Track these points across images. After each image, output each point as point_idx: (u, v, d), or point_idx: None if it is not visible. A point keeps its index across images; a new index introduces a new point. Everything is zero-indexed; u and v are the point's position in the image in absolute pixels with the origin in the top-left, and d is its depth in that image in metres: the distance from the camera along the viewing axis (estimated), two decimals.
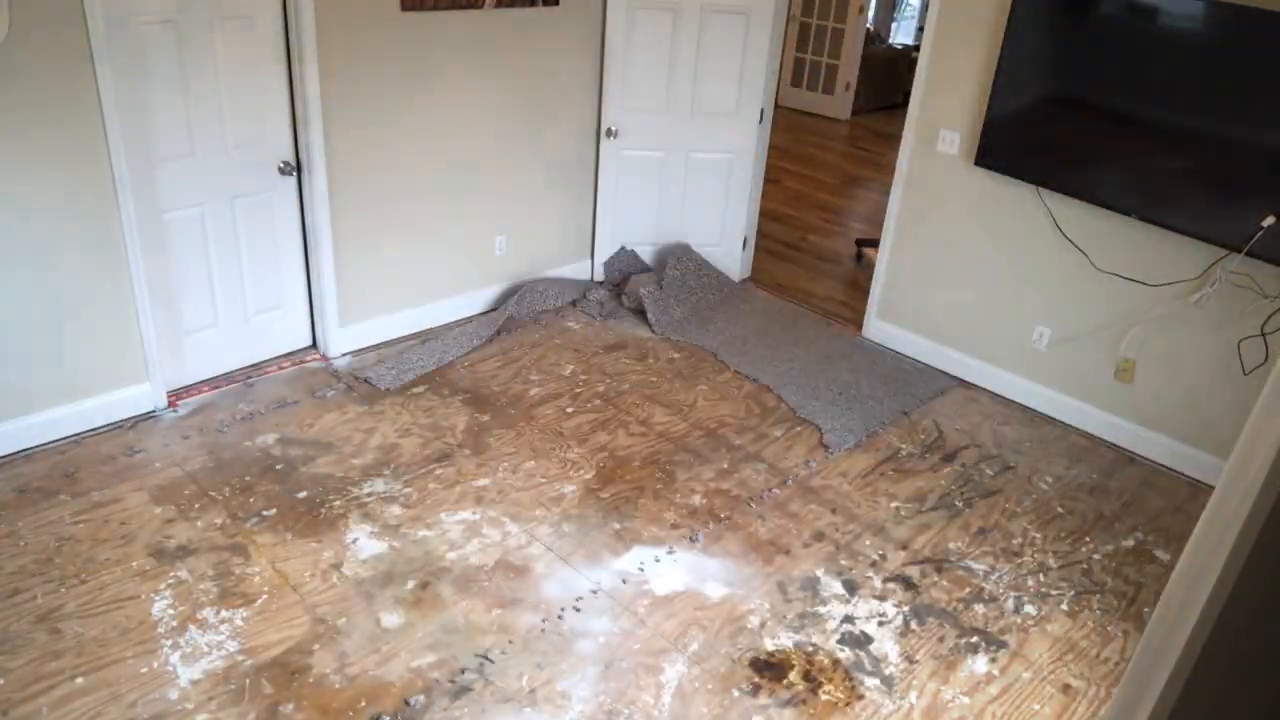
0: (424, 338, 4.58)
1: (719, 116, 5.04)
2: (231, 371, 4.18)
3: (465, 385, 4.23)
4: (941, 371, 4.66)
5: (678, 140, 5.08)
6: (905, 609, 3.18)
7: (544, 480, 3.66)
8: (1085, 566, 3.45)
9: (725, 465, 3.84)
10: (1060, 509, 3.76)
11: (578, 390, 4.27)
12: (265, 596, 3.00)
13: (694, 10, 4.78)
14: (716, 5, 4.79)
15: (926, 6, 4.47)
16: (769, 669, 2.90)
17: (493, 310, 4.85)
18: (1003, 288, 4.38)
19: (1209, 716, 1.00)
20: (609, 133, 4.96)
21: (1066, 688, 2.93)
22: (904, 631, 3.09)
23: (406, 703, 2.67)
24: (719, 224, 5.33)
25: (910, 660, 2.98)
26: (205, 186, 3.82)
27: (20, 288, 3.35)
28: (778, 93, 6.20)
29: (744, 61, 4.95)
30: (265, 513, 3.36)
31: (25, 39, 3.09)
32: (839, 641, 3.03)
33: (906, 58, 9.81)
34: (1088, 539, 3.59)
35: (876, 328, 4.91)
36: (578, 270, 5.27)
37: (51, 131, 3.24)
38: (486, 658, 2.85)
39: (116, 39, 3.35)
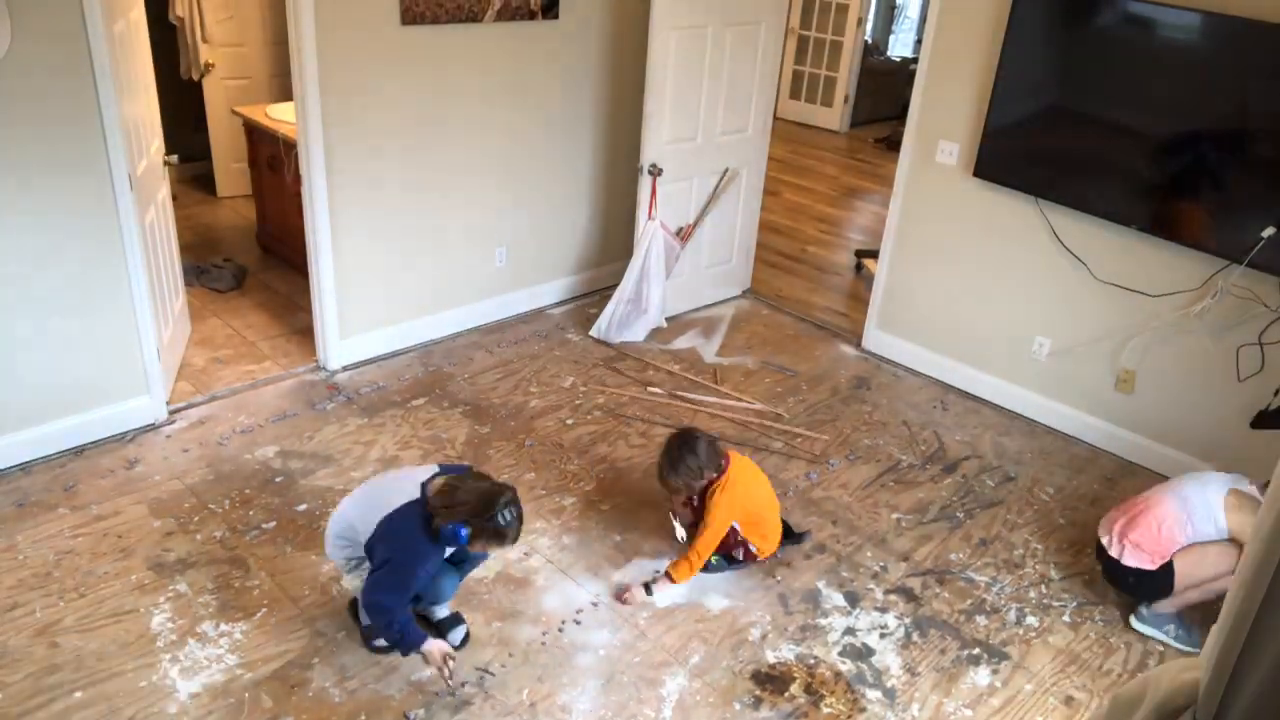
0: (426, 349, 4.59)
1: (734, 133, 4.96)
2: (233, 385, 4.18)
3: (465, 397, 4.23)
4: (942, 382, 4.66)
5: (702, 162, 4.89)
6: (907, 621, 3.17)
7: (544, 492, 3.65)
8: (1087, 578, 3.43)
9: None
10: (1061, 520, 3.75)
11: (578, 402, 4.27)
12: (265, 610, 2.99)
13: (720, 27, 4.61)
14: (736, 20, 4.67)
15: (924, 18, 4.48)
16: (770, 681, 2.89)
17: (494, 321, 4.85)
18: (1002, 298, 4.38)
19: None
20: (653, 170, 4.57)
21: (1069, 700, 2.92)
22: (905, 643, 3.08)
23: (406, 716, 2.66)
24: (730, 239, 5.30)
25: (912, 672, 2.97)
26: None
27: (19, 300, 3.35)
28: (776, 105, 6.20)
29: (757, 75, 4.90)
30: (265, 525, 3.35)
31: (26, 51, 3.09)
32: (840, 654, 3.01)
33: (905, 70, 9.84)
34: (1089, 550, 3.58)
35: (876, 339, 4.91)
36: (572, 285, 5.27)
37: (51, 144, 3.24)
38: (487, 671, 2.84)
39: (117, 49, 3.37)
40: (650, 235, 4.68)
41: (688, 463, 3.08)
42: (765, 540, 3.26)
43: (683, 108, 4.63)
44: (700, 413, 4.25)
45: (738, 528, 3.18)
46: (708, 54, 4.61)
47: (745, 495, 3.16)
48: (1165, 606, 3.13)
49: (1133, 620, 3.19)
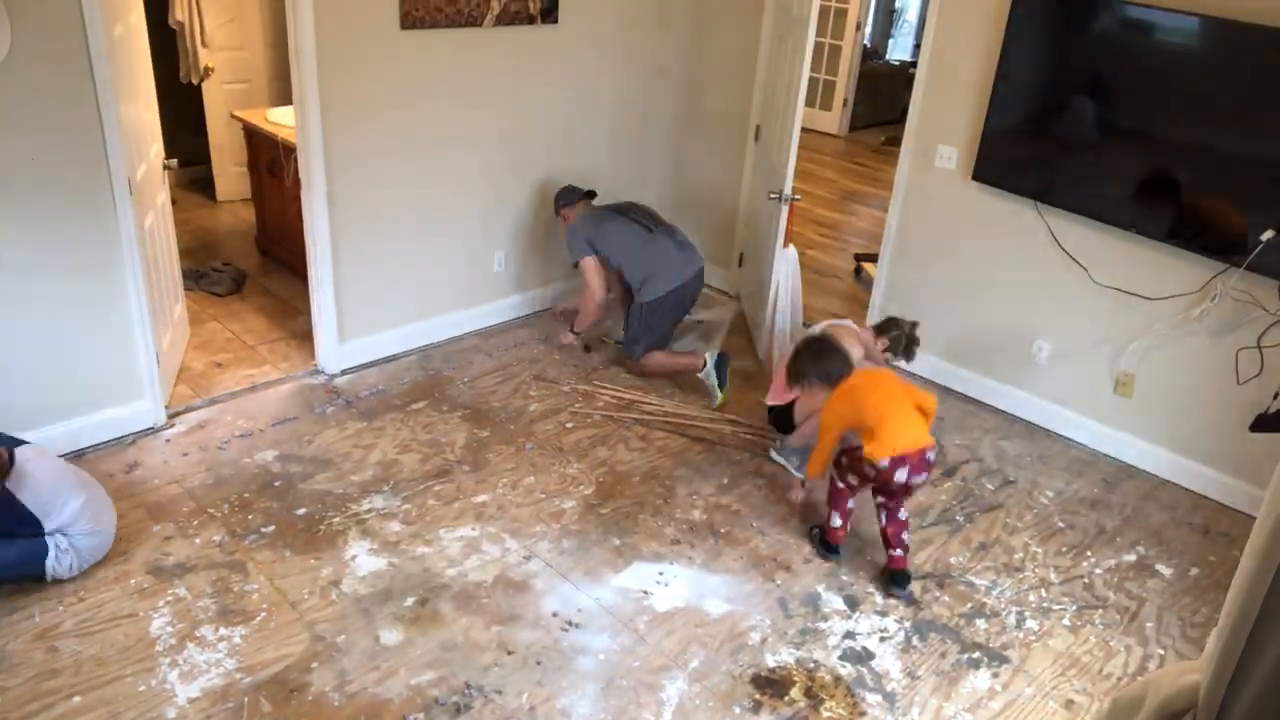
0: (425, 353, 4.59)
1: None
2: (232, 389, 4.18)
3: (464, 401, 4.23)
4: (941, 385, 4.65)
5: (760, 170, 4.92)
6: (907, 624, 3.17)
7: (543, 496, 3.65)
8: (1087, 581, 3.43)
9: (725, 480, 3.83)
10: (1061, 523, 3.75)
11: (577, 405, 4.27)
12: (264, 614, 2.99)
13: (794, 29, 4.49)
14: (791, 26, 4.56)
15: (923, 23, 4.49)
16: (770, 686, 2.89)
17: (494, 324, 4.85)
18: (1002, 302, 4.38)
19: None
20: (789, 197, 4.74)
21: (1069, 703, 2.92)
22: (906, 647, 3.07)
23: None
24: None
25: (912, 676, 2.96)
26: None
27: (19, 304, 3.35)
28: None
29: (796, 85, 4.81)
30: (264, 529, 3.35)
31: (26, 56, 3.09)
32: (840, 658, 3.01)
33: (904, 73, 9.85)
34: (1089, 553, 3.58)
35: None
36: (572, 288, 5.27)
37: (50, 148, 3.24)
38: (486, 675, 2.84)
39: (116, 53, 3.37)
40: (791, 262, 4.60)
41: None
42: (874, 442, 3.19)
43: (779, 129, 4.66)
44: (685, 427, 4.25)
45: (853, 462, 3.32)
46: (784, 68, 4.56)
47: (853, 404, 3.28)
48: (793, 441, 3.86)
49: (771, 453, 3.97)
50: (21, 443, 3.05)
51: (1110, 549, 3.62)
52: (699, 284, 4.55)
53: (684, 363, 4.48)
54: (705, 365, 4.35)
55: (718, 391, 4.31)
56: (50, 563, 2.96)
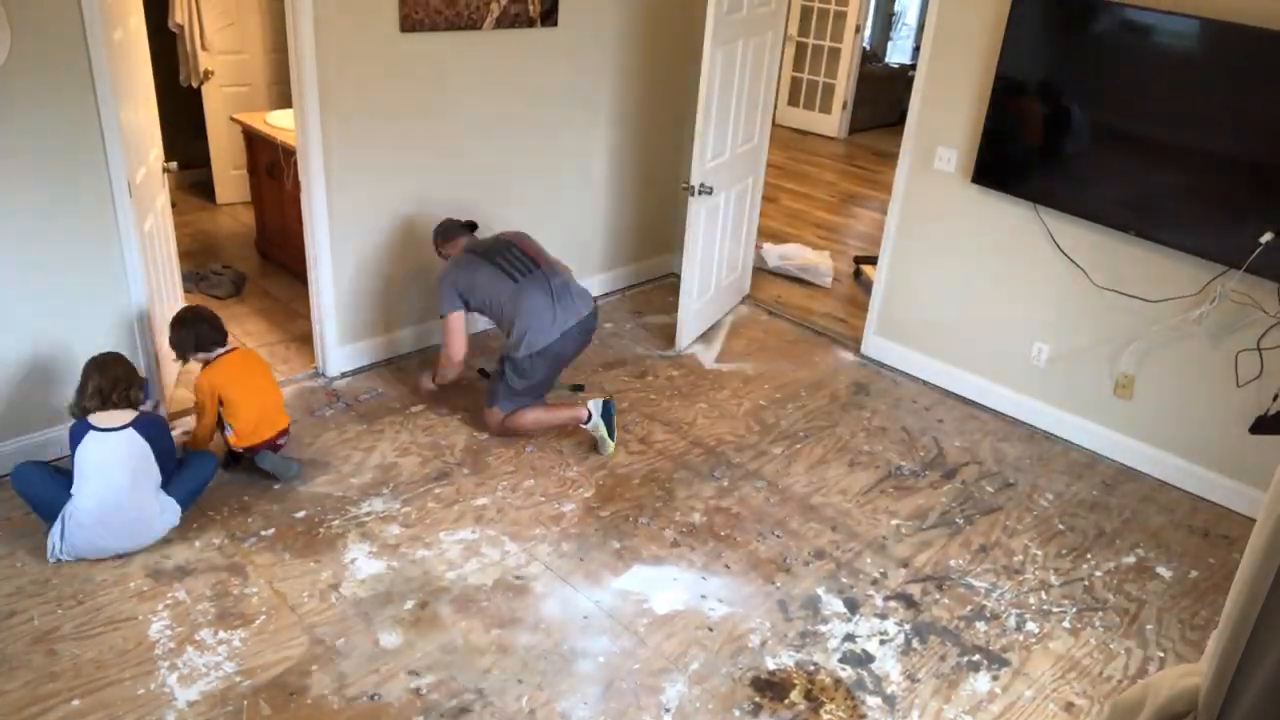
0: (425, 356, 4.59)
1: (745, 144, 4.94)
2: None
3: (464, 404, 4.22)
4: (941, 388, 4.66)
5: (729, 177, 4.81)
6: (907, 627, 3.17)
7: (543, 499, 3.65)
8: (1087, 583, 3.43)
9: (725, 483, 3.83)
10: (1061, 526, 3.75)
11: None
12: (263, 617, 2.99)
13: (746, 40, 4.56)
14: (756, 31, 4.65)
15: (922, 26, 4.50)
16: (770, 688, 2.88)
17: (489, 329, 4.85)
18: (1001, 304, 4.38)
19: None
20: (701, 189, 4.47)
21: (1069, 706, 2.91)
22: (905, 650, 3.07)
23: None
24: (739, 249, 5.29)
25: (912, 679, 2.96)
26: None
27: (18, 306, 3.35)
28: (775, 111, 6.22)
29: (763, 85, 4.89)
30: (263, 532, 3.35)
31: (25, 59, 3.10)
32: (840, 660, 3.01)
33: (903, 76, 9.86)
34: (1089, 556, 3.58)
35: (875, 345, 4.91)
36: None
37: (50, 151, 3.25)
38: (485, 678, 2.83)
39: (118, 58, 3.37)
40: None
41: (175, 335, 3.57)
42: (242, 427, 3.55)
43: (721, 124, 4.57)
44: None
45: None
46: (737, 68, 4.58)
47: (226, 381, 3.55)
48: None
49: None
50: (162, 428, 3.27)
51: (1110, 551, 3.62)
52: (584, 333, 3.97)
53: (564, 416, 3.94)
54: (590, 417, 3.90)
55: (609, 441, 3.91)
56: (54, 529, 3.07)
